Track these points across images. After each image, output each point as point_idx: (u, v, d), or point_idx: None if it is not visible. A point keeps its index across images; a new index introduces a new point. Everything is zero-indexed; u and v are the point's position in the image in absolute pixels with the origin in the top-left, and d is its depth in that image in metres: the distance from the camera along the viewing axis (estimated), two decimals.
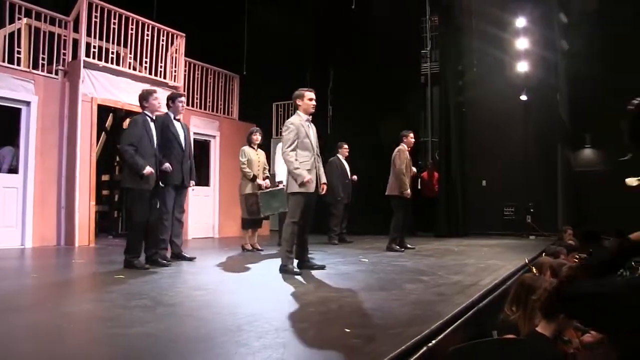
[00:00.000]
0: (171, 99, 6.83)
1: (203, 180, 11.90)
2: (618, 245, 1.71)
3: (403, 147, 8.54)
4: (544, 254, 6.70)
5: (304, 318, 3.54)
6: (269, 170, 8.59)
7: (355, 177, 10.38)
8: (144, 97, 6.16)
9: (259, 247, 8.40)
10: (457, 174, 12.20)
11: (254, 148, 8.28)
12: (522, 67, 12.38)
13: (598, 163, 12.27)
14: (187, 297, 4.28)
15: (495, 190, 12.30)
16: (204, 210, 11.65)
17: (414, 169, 8.78)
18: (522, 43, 12.36)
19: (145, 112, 6.14)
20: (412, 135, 8.64)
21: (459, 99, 12.61)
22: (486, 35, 12.53)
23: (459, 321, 3.62)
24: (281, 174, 7.80)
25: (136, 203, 5.94)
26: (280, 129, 12.83)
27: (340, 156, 10.29)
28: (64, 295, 4.53)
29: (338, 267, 6.31)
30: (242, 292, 4.70)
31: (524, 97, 12.37)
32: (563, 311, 1.59)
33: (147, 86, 9.71)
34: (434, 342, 3.09)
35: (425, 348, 2.98)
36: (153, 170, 5.88)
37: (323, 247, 9.00)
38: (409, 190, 8.33)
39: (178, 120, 6.82)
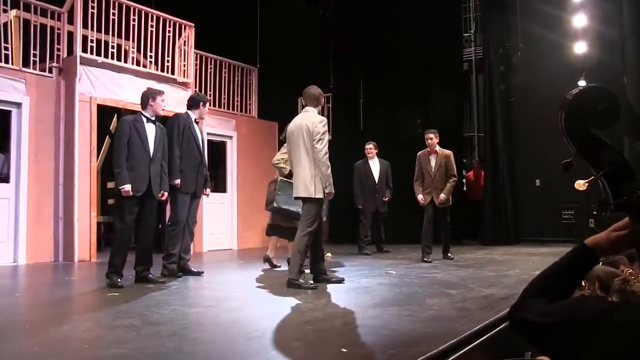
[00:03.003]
0: (197, 102, 7.10)
1: (219, 186, 12.01)
2: (572, 253, 1.61)
3: (423, 151, 8.85)
4: (600, 262, 6.55)
5: (300, 336, 3.57)
6: None
7: (386, 198, 10.30)
8: (150, 95, 6.29)
9: (276, 263, 7.89)
10: (505, 173, 12.02)
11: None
12: (580, 47, 12.08)
13: None
14: (179, 316, 4.34)
15: (552, 190, 11.98)
16: (220, 220, 11.75)
17: (442, 197, 8.68)
18: (579, 20, 12.06)
19: (145, 112, 6.25)
20: (428, 135, 8.76)
21: (506, 88, 12.43)
22: (537, 13, 12.31)
23: (479, 340, 3.57)
24: None
25: (115, 209, 6.12)
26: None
27: (368, 159, 10.29)
28: (46, 315, 4.63)
29: (359, 280, 6.34)
30: (244, 309, 4.75)
31: (582, 83, 12.08)
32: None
33: (153, 83, 9.90)
34: None
35: None
36: (130, 190, 5.93)
37: (352, 257, 9.06)
38: (420, 196, 8.70)
39: (197, 123, 7.09)
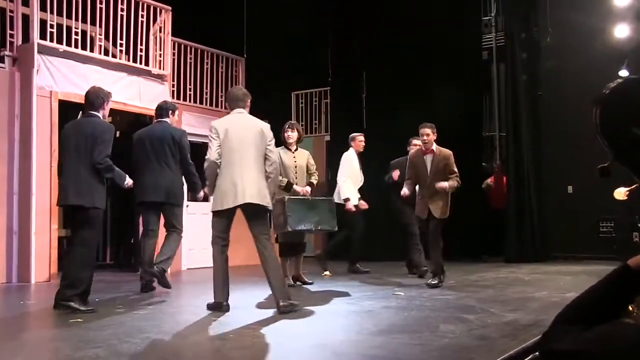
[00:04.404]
0: (167, 110, 7.71)
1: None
2: (613, 277, 1.57)
3: (416, 150, 8.66)
4: None
5: None
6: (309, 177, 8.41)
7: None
8: (105, 98, 6.32)
9: (307, 280, 8.32)
10: (532, 179, 12.00)
11: (290, 149, 8.27)
12: (621, 31, 11.99)
13: None
14: (152, 345, 4.34)
15: (587, 199, 11.97)
16: (201, 233, 11.67)
17: (443, 184, 8.25)
18: None
19: (99, 114, 6.23)
20: (423, 131, 8.21)
21: (532, 79, 12.42)
22: None
23: None
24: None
25: (95, 225, 6.14)
26: (302, 124, 12.95)
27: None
28: None
29: (362, 302, 6.39)
30: (227, 336, 4.71)
31: (624, 73, 12.02)
32: None
33: (124, 75, 9.93)
34: None
35: None
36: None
37: (354, 276, 9.13)
38: (405, 190, 8.48)
39: None
